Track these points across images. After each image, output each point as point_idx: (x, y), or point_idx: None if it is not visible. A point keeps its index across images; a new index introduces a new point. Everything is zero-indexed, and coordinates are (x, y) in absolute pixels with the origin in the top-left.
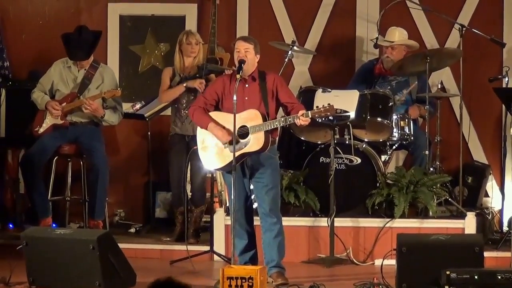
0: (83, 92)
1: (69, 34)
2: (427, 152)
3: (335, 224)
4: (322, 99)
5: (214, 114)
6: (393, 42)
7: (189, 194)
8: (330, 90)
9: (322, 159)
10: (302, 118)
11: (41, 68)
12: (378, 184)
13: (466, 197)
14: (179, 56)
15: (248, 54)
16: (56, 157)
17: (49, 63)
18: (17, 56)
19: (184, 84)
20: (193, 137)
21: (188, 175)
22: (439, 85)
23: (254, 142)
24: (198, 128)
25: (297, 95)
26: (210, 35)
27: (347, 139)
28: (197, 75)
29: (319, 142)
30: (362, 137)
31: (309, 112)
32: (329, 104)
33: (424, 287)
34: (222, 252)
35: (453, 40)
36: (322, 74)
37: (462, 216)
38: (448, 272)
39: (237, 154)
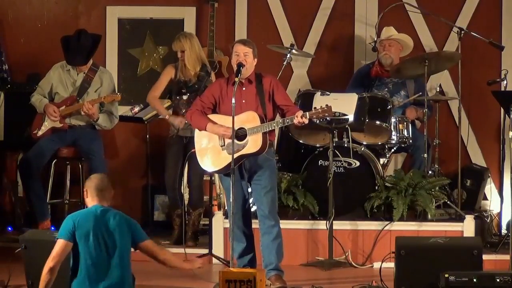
0: (82, 95)
1: (68, 37)
2: (425, 155)
3: (334, 227)
4: (320, 102)
5: (212, 117)
6: (391, 35)
7: (187, 196)
8: (328, 93)
9: (320, 162)
10: (300, 120)
11: (40, 71)
12: (376, 187)
13: (464, 200)
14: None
15: (247, 58)
16: (55, 160)
17: (48, 66)
18: (16, 59)
19: (167, 116)
20: (191, 139)
21: (185, 177)
22: (438, 88)
23: (251, 144)
24: (196, 130)
25: (296, 98)
26: (209, 38)
27: (345, 142)
28: (196, 86)
29: (317, 145)
30: (361, 140)
31: (307, 112)
32: (327, 105)
33: None
34: (221, 255)
35: (452, 43)
36: (320, 77)
37: (460, 219)
38: (446, 275)
39: (234, 156)
